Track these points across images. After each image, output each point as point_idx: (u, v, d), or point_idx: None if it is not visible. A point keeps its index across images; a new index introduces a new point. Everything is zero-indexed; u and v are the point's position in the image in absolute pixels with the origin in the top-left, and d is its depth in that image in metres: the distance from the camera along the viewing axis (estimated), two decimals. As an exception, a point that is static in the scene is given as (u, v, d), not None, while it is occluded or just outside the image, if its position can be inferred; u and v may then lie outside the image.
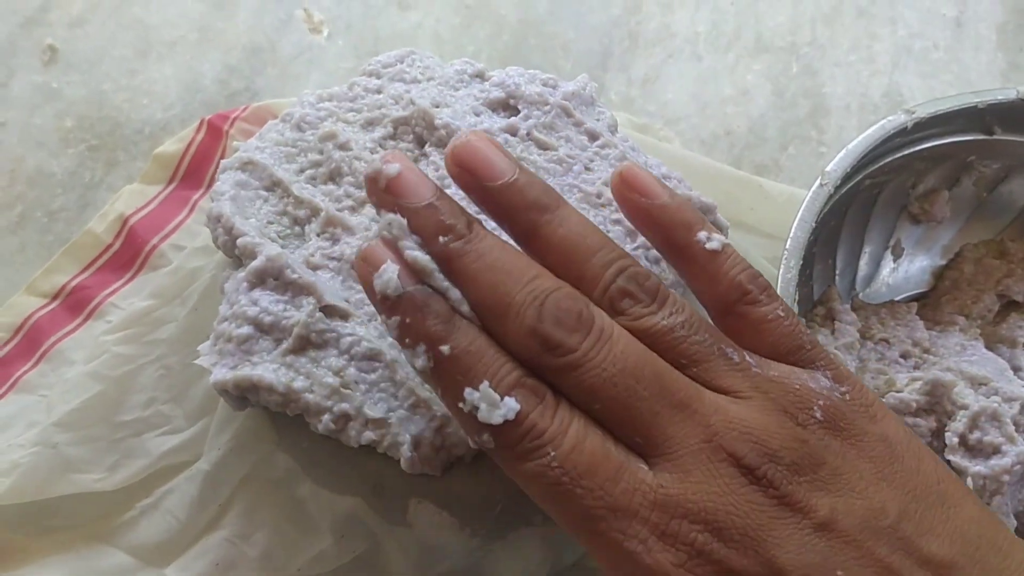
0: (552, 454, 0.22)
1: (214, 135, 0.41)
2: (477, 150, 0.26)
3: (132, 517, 0.33)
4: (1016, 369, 0.35)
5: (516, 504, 0.32)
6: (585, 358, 0.23)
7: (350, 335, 0.30)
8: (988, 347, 0.36)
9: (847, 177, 0.34)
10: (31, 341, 0.38)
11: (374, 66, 0.37)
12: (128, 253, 0.40)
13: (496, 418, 0.22)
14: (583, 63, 0.48)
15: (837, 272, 0.38)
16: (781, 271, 0.31)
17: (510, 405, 0.22)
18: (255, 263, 0.31)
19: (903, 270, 0.40)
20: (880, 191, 0.38)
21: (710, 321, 0.26)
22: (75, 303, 0.39)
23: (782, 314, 0.26)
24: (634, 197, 0.27)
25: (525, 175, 0.26)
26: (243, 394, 0.30)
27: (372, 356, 0.30)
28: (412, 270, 0.24)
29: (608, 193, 0.31)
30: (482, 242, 0.25)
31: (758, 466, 0.23)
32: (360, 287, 0.30)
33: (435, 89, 0.36)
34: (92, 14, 0.48)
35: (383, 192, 0.25)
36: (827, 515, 0.23)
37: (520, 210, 0.25)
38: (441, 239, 0.24)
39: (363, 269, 0.25)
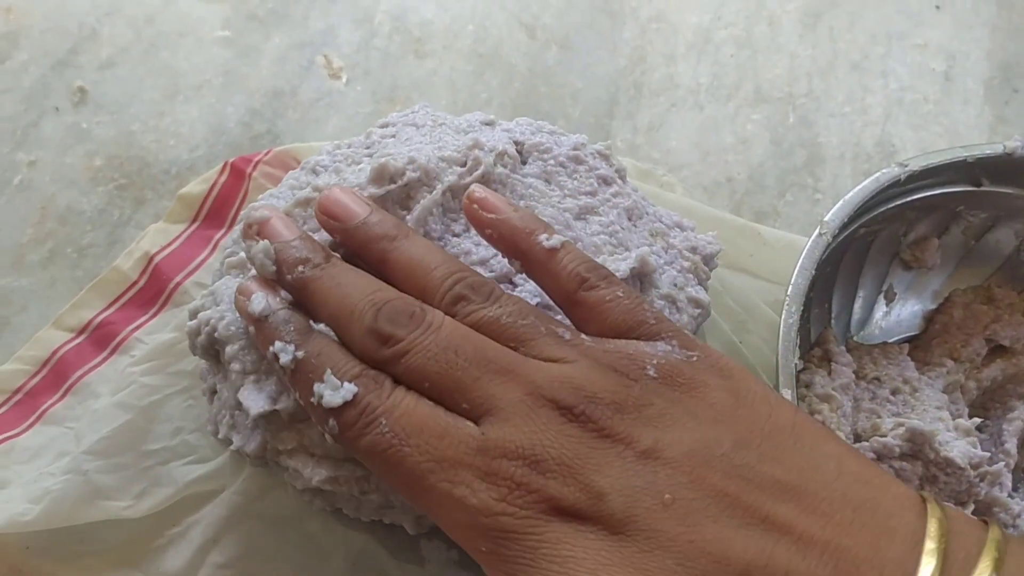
0: (383, 422, 0.24)
1: (237, 177, 0.43)
2: (337, 199, 0.30)
3: (160, 545, 0.33)
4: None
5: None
6: (411, 344, 0.25)
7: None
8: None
9: (843, 226, 0.35)
10: (57, 375, 0.39)
11: (390, 118, 0.38)
12: (153, 290, 0.40)
13: (336, 399, 0.25)
14: (591, 111, 0.50)
15: (833, 315, 0.40)
16: (783, 317, 0.33)
17: (348, 388, 0.25)
18: (190, 322, 0.32)
19: (895, 314, 0.41)
20: (874, 239, 0.39)
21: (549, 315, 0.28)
22: (101, 338, 0.40)
23: (621, 295, 0.27)
24: (482, 213, 0.29)
25: (378, 214, 0.30)
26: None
27: None
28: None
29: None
30: (335, 268, 0.28)
31: (575, 405, 0.24)
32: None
33: (442, 136, 0.36)
34: (121, 57, 0.50)
35: (255, 235, 0.29)
36: (651, 445, 0.23)
37: (372, 241, 0.29)
38: (300, 268, 0.28)
39: (240, 301, 0.29)
